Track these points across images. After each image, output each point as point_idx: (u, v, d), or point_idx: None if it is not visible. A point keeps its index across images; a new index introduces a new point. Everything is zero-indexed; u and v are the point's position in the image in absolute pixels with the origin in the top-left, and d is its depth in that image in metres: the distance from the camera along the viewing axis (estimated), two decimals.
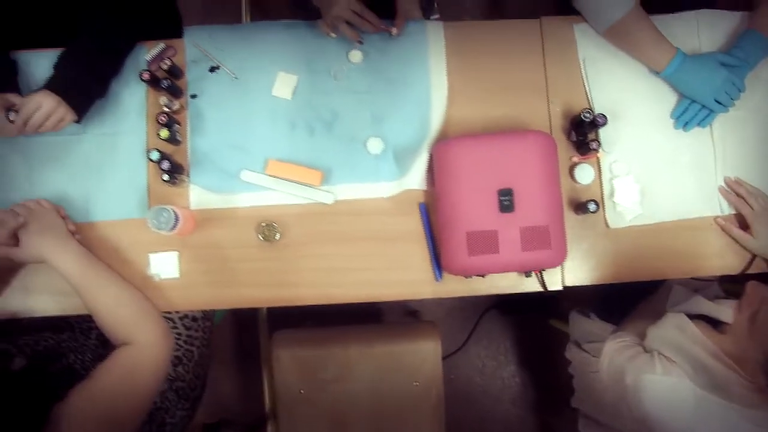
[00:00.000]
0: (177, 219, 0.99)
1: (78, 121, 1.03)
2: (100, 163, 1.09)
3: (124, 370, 0.90)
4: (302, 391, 1.30)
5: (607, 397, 1.14)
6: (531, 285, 1.06)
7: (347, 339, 1.31)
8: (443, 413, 1.31)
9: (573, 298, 1.07)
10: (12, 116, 1.00)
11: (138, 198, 1.08)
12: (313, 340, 1.31)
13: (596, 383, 1.19)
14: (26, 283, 1.07)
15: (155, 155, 1.02)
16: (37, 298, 1.07)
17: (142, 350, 0.93)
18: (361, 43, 1.06)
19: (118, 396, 0.87)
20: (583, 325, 1.30)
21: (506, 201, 0.95)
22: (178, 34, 1.18)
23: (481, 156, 0.96)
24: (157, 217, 0.98)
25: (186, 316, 1.21)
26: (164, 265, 1.06)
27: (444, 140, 1.02)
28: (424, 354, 1.29)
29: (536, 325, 1.80)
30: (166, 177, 1.01)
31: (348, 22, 1.01)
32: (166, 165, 1.01)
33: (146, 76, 1.04)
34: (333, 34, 1.06)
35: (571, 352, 1.32)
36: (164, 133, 1.03)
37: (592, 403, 1.27)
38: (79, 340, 1.10)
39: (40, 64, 1.09)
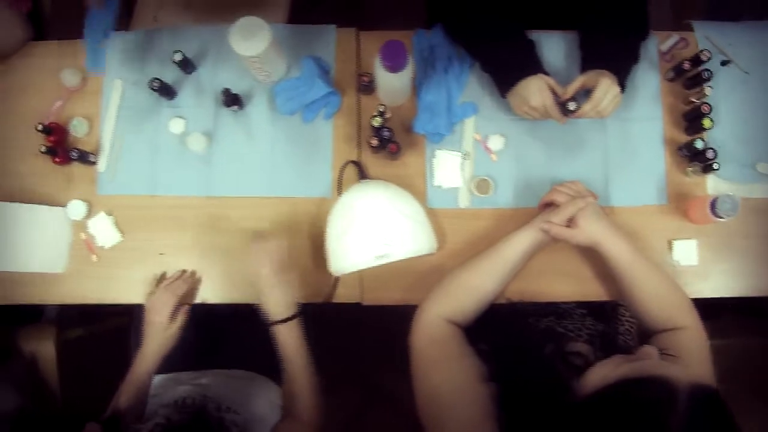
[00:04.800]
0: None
1: None
2: (619, 149, 1.10)
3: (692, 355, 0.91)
4: None
5: None
6: None
7: None
8: None
9: None
10: (572, 106, 0.98)
11: (656, 185, 1.09)
12: None
13: None
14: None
15: (700, 144, 1.04)
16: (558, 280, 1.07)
17: (698, 334, 0.93)
18: None
19: None
20: None
21: None
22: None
23: None
24: (733, 201, 0.99)
25: None
26: (686, 253, 1.07)
27: None
28: None
29: None
30: (716, 165, 1.03)
31: None
32: (711, 154, 1.03)
33: (687, 65, 1.06)
34: None
35: None
36: (707, 122, 1.05)
37: None
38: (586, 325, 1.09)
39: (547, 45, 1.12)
